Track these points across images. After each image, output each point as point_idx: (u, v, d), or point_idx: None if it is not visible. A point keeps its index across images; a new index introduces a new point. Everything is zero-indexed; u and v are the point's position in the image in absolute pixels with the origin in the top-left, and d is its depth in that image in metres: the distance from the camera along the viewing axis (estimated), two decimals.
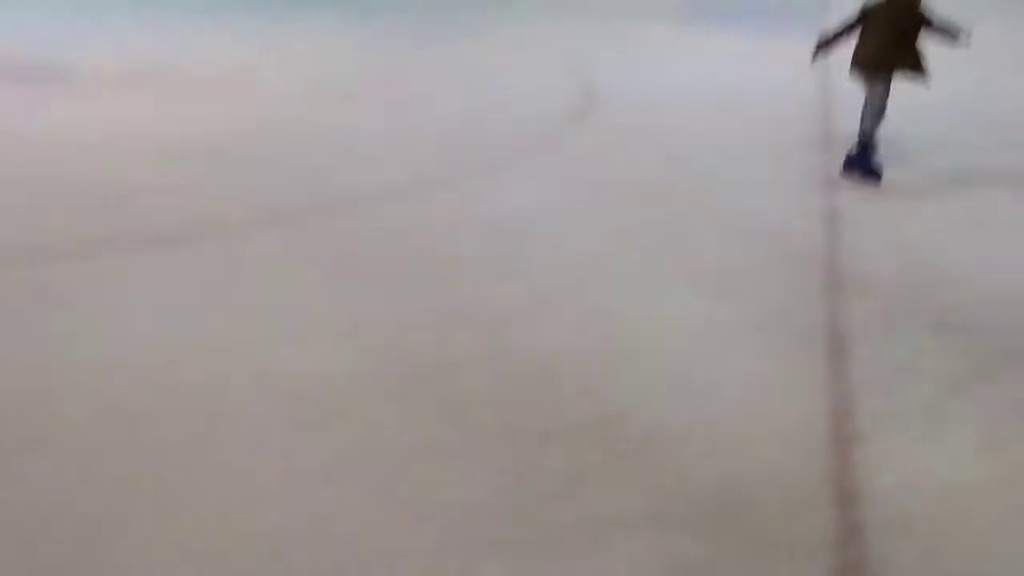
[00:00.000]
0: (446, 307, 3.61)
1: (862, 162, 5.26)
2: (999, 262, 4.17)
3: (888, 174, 5.31)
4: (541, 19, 11.64)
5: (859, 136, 5.26)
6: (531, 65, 8.75)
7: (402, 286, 3.80)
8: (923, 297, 3.74)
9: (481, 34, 10.38)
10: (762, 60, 9.19)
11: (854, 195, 5.03)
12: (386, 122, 6.48)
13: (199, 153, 5.58)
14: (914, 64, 5.13)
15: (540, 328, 3.45)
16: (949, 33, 5.14)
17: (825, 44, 5.33)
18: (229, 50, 8.77)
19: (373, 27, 10.79)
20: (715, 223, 4.58)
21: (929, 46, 5.19)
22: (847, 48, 5.32)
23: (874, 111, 5.22)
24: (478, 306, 3.63)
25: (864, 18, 5.18)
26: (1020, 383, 3.13)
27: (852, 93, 7.30)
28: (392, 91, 7.49)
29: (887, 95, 5.21)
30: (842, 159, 5.31)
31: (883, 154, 5.36)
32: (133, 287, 3.74)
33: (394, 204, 4.82)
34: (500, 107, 6.96)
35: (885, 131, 5.34)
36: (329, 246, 4.20)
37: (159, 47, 8.80)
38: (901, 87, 5.28)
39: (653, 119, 6.69)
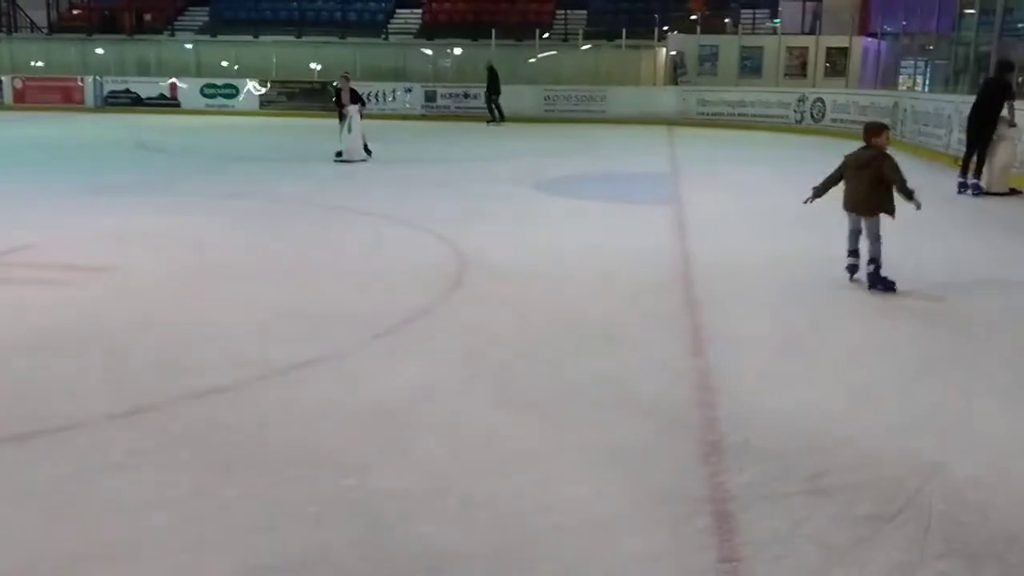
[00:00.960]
0: (326, 503, 3.41)
1: (880, 279, 6.59)
2: (868, 421, 4.32)
3: (756, 332, 5.60)
4: (402, 192, 11.93)
5: (871, 259, 6.61)
6: (400, 237, 8.88)
7: (276, 480, 3.59)
8: (799, 462, 3.80)
9: (345, 209, 10.50)
10: (621, 224, 9.67)
11: (724, 358, 5.18)
12: (254, 302, 6.34)
13: (57, 344, 5.26)
14: (886, 206, 6.49)
15: (426, 523, 3.29)
16: (906, 194, 6.37)
17: (818, 191, 6.86)
18: (87, 236, 8.53)
19: (236, 207, 10.78)
20: (593, 394, 4.59)
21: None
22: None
23: (873, 238, 6.58)
24: (359, 501, 3.45)
25: (844, 168, 6.71)
26: (896, 546, 3.17)
27: (709, 259, 7.75)
28: (258, 270, 7.39)
29: (878, 226, 6.56)
30: (866, 281, 6.67)
31: (746, 314, 5.58)
32: None
33: (268, 389, 4.64)
34: (372, 281, 6.96)
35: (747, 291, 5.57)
36: (195, 439, 3.96)
37: (17, 233, 8.47)
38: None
39: (523, 287, 6.82)
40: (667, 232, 9.14)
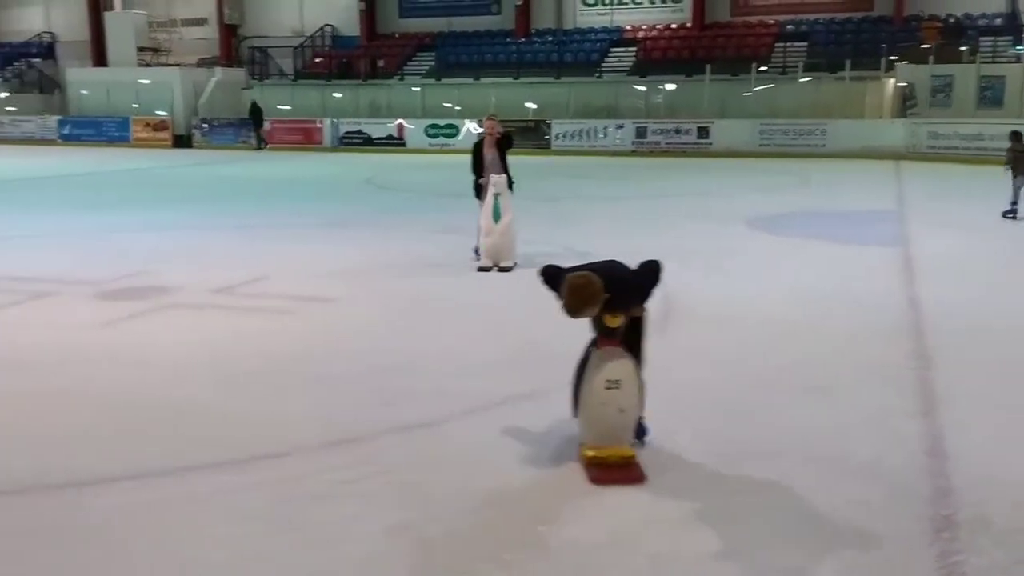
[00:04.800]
0: (519, 550, 3.38)
1: None
2: None
3: (996, 392, 5.08)
4: (611, 229, 11.84)
5: None
6: None
7: (474, 521, 3.60)
8: None
9: (552, 244, 10.57)
10: (841, 266, 9.09)
11: (958, 420, 4.68)
12: (462, 337, 6.50)
13: (275, 372, 5.62)
14: None
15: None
16: None
17: None
18: (313, 269, 9.08)
19: (450, 241, 11.12)
20: (803, 452, 4.28)
21: None
22: None
23: None
24: (552, 549, 3.38)
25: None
26: None
27: (942, 307, 7.09)
28: (467, 304, 7.56)
29: None
30: None
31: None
32: (193, 514, 3.65)
33: (470, 425, 4.71)
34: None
35: None
36: (398, 472, 4.08)
37: (254, 264, 9.19)
38: None
39: (731, 331, 6.54)
40: (892, 276, 8.50)
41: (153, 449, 4.37)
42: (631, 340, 4.16)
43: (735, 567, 3.25)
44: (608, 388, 3.95)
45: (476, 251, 9.17)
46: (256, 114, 29.71)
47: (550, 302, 7.50)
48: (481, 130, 9.47)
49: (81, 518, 3.66)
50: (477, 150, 9.19)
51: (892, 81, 25.35)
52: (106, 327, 6.71)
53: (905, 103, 24.90)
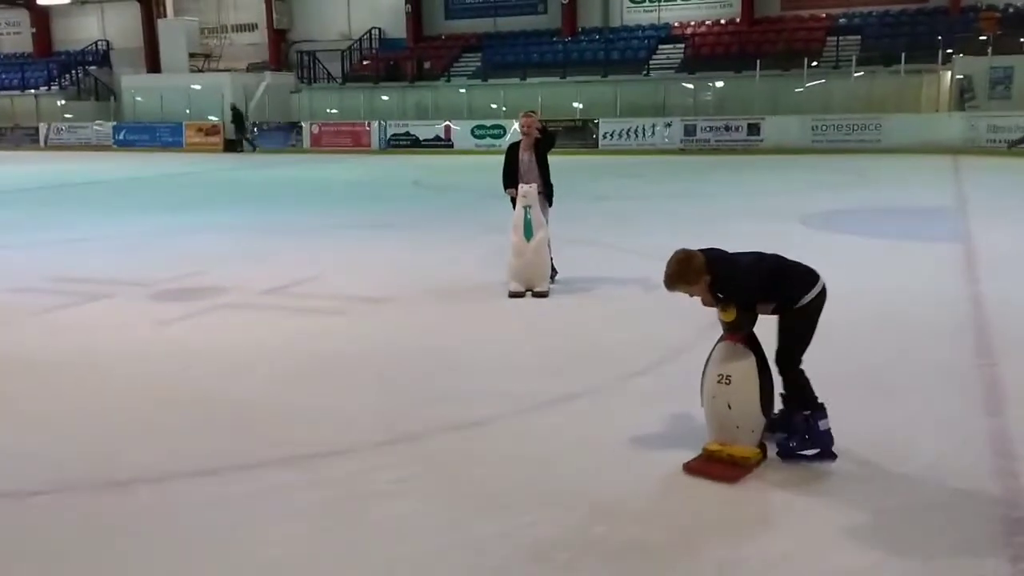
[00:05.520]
0: (576, 550, 3.33)
1: None
2: None
3: None
4: (663, 228, 11.71)
5: None
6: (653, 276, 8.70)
7: (528, 520, 3.56)
8: None
9: (603, 245, 10.51)
10: (899, 263, 8.88)
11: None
12: (513, 336, 6.46)
13: (325, 372, 5.65)
14: None
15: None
16: None
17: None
18: (362, 269, 9.15)
19: (495, 242, 11.09)
20: (865, 453, 4.16)
21: None
22: None
23: None
24: (610, 552, 3.33)
25: None
26: None
27: (1007, 304, 6.87)
28: (516, 305, 7.52)
29: None
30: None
31: None
32: (248, 512, 3.66)
33: (523, 423, 4.68)
34: (628, 320, 6.86)
35: None
36: (454, 470, 4.07)
37: (304, 265, 9.27)
38: None
39: None
40: (953, 272, 8.27)
41: (208, 447, 4.41)
42: (782, 340, 4.01)
43: (802, 571, 3.16)
44: (719, 382, 3.91)
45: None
46: (238, 119, 30.43)
47: (595, 306, 7.50)
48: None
49: (138, 515, 3.70)
50: (511, 154, 7.83)
51: (949, 74, 24.76)
52: (161, 327, 6.81)
53: (963, 96, 24.30)
